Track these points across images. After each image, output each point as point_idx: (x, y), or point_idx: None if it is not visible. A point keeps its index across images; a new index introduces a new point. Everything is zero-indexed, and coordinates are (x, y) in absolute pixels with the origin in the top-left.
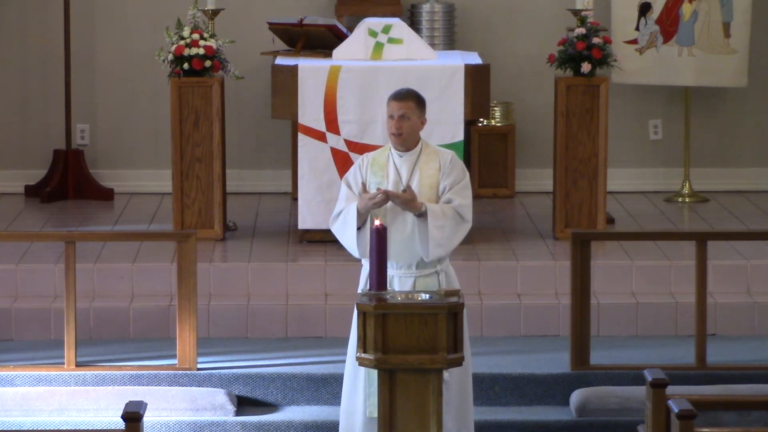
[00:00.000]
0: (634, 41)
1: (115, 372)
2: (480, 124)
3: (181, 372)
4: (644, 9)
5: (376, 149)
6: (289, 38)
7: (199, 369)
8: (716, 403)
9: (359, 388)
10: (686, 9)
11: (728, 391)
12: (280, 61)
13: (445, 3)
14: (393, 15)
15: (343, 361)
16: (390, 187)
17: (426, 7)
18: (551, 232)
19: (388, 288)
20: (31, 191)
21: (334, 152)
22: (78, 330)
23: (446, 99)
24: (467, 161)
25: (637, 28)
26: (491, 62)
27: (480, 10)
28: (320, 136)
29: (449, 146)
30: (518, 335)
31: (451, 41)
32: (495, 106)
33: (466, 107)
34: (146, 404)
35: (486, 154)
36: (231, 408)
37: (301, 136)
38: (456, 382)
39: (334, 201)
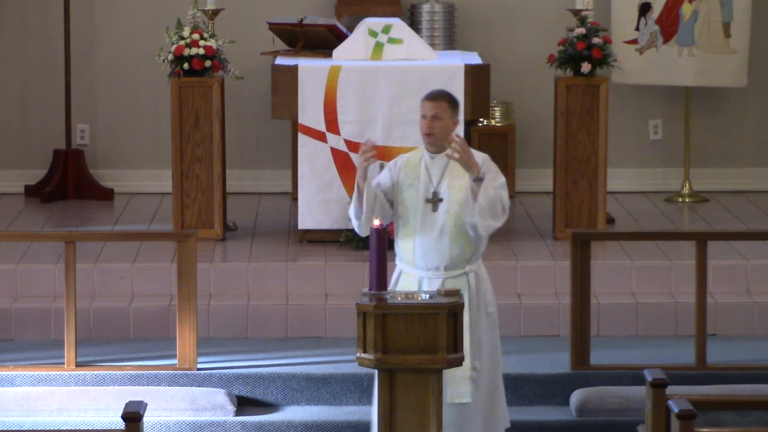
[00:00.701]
0: (634, 41)
1: (115, 372)
2: (480, 124)
3: (181, 372)
4: (644, 9)
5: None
6: (289, 38)
7: (199, 369)
8: (716, 403)
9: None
10: (686, 9)
11: (728, 391)
12: (280, 61)
13: (445, 3)
14: (393, 15)
15: (344, 361)
16: (421, 189)
17: (426, 7)
18: (551, 232)
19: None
20: (31, 191)
21: (334, 152)
22: (78, 330)
23: None
24: None
25: (637, 28)
26: (491, 62)
27: (480, 10)
28: (320, 136)
29: None
30: (518, 335)
31: (451, 41)
32: (495, 106)
33: (466, 107)
34: (146, 404)
35: (486, 154)
36: (231, 408)
37: (301, 136)
38: (486, 380)
39: (334, 201)
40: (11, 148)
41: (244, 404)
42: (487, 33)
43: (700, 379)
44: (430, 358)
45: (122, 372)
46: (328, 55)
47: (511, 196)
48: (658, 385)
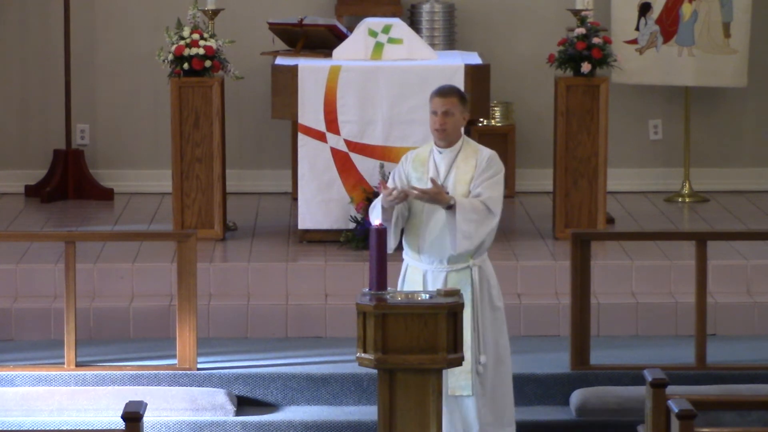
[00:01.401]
0: (634, 41)
1: (115, 372)
2: (480, 124)
3: (181, 372)
4: (644, 9)
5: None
6: (289, 38)
7: (199, 369)
8: (716, 403)
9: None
10: (686, 9)
11: (728, 391)
12: (280, 61)
13: (445, 3)
14: (393, 15)
15: (344, 361)
16: (429, 184)
17: (426, 7)
18: (551, 232)
19: (422, 284)
20: (31, 191)
21: (334, 152)
22: (78, 330)
23: None
24: None
25: (637, 28)
26: (491, 62)
27: (480, 10)
28: (320, 136)
29: None
30: (518, 335)
31: (451, 41)
32: (495, 106)
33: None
34: (146, 404)
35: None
36: (231, 408)
37: (301, 136)
38: (491, 375)
39: (334, 201)
40: (11, 148)
41: (244, 404)
42: (487, 33)
43: (700, 379)
44: (430, 358)
45: (122, 372)
46: (328, 55)
47: (511, 196)
48: (658, 385)
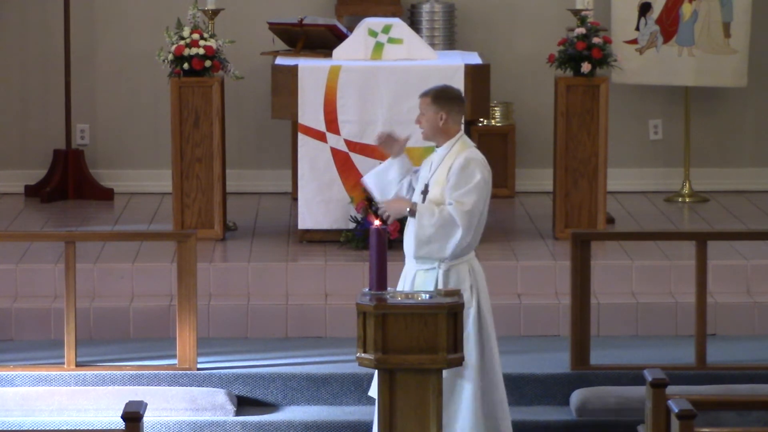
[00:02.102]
0: (634, 41)
1: (115, 372)
2: (480, 124)
3: (181, 372)
4: (644, 9)
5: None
6: (289, 38)
7: (199, 369)
8: (716, 403)
9: None
10: (686, 9)
11: (728, 391)
12: (280, 61)
13: (445, 3)
14: (393, 15)
15: (344, 361)
16: (421, 182)
17: (426, 7)
18: (551, 232)
19: (404, 280)
20: (31, 191)
21: (334, 152)
22: (78, 330)
23: None
24: None
25: (637, 28)
26: (491, 62)
27: (480, 10)
28: (320, 136)
29: None
30: (518, 335)
31: (451, 41)
32: (495, 106)
33: (466, 107)
34: (146, 404)
35: (486, 154)
36: (231, 408)
37: (301, 136)
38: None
39: (334, 201)
40: (11, 148)
41: (244, 404)
42: (487, 33)
43: (700, 379)
44: (430, 358)
45: (122, 372)
46: (328, 55)
47: (511, 196)
48: (658, 385)
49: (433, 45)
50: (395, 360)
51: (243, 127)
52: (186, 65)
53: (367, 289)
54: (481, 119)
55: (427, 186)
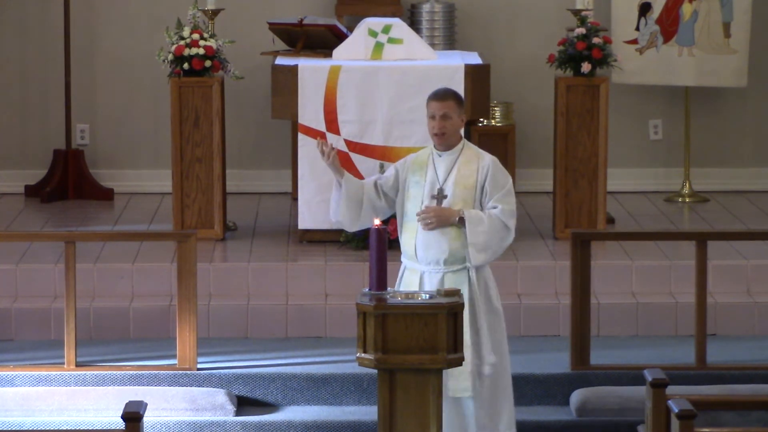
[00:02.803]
0: (634, 41)
1: (115, 372)
2: (480, 124)
3: (181, 372)
4: (644, 9)
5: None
6: (289, 38)
7: (199, 369)
8: (716, 403)
9: None
10: (686, 9)
11: (728, 391)
12: (280, 61)
13: (445, 3)
14: (393, 15)
15: (344, 361)
16: (427, 186)
17: (426, 7)
18: (551, 232)
19: (419, 285)
20: (31, 191)
21: None
22: (78, 330)
23: None
24: None
25: (637, 28)
26: (491, 62)
27: (480, 10)
28: (320, 136)
29: None
30: (518, 335)
31: (451, 41)
32: (495, 106)
33: (466, 107)
34: (146, 404)
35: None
36: (231, 408)
37: (301, 136)
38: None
39: None
40: (11, 148)
41: (244, 404)
42: (487, 33)
43: (700, 379)
44: (430, 358)
45: (122, 372)
46: (328, 55)
47: None
48: (658, 385)
49: (433, 45)
50: (395, 360)
51: (243, 127)
52: (186, 65)
53: (367, 289)
54: (481, 119)
55: (441, 190)
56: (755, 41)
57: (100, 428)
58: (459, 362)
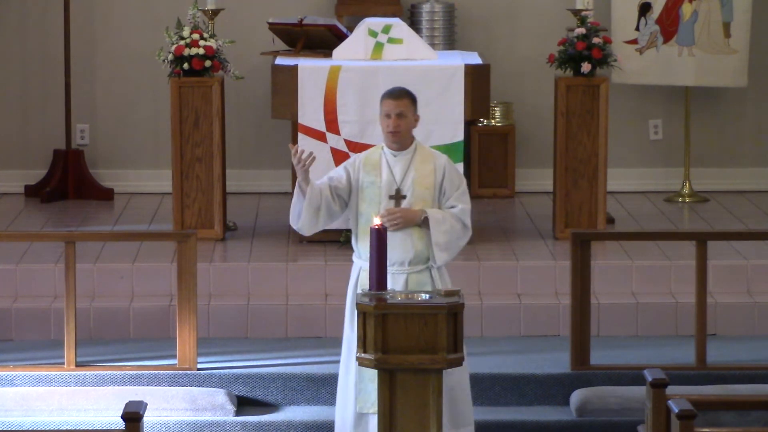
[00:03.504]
0: (634, 41)
1: (115, 372)
2: (480, 124)
3: (181, 372)
4: (644, 9)
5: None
6: (289, 38)
7: (199, 369)
8: (716, 403)
9: (350, 385)
10: (686, 9)
11: (728, 391)
12: (280, 61)
13: (445, 3)
14: (393, 15)
15: None
16: (383, 187)
17: (426, 7)
18: (551, 232)
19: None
20: (31, 191)
21: (334, 152)
22: (78, 330)
23: (446, 99)
24: (467, 161)
25: (637, 28)
26: (491, 62)
27: (480, 10)
28: (320, 136)
29: (449, 146)
30: (518, 335)
31: (451, 41)
32: (495, 106)
33: (466, 107)
34: (146, 404)
35: (486, 154)
36: (231, 408)
37: (301, 136)
38: (447, 379)
39: None
40: (11, 148)
41: (244, 404)
42: (487, 33)
43: (700, 379)
44: (430, 358)
45: (122, 372)
46: (328, 55)
47: (511, 196)
48: (658, 385)
49: (433, 45)
50: (395, 360)
51: (243, 127)
52: (186, 65)
53: (367, 289)
54: (481, 119)
55: (399, 191)
56: (755, 41)
57: (100, 428)
58: (459, 362)
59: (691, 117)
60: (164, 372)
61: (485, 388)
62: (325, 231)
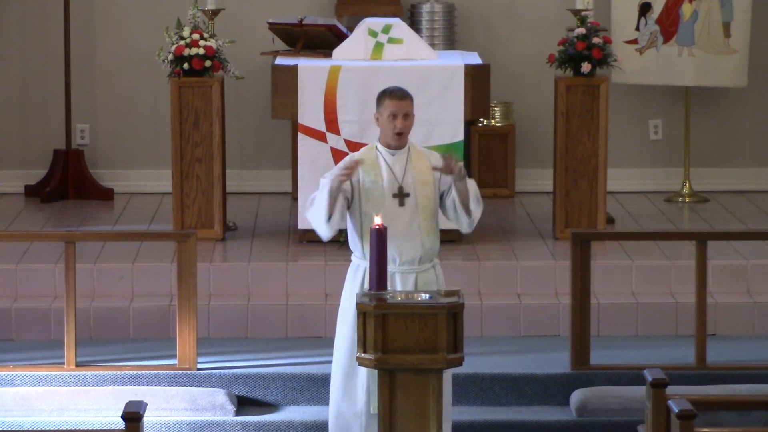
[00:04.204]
0: (634, 41)
1: (115, 372)
2: (480, 124)
3: (181, 372)
4: (644, 9)
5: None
6: (289, 38)
7: (199, 369)
8: (716, 403)
9: (358, 386)
10: (686, 9)
11: (728, 391)
12: (280, 61)
13: (445, 3)
14: (393, 15)
15: None
16: (385, 186)
17: (426, 7)
18: (551, 232)
19: (389, 285)
20: (31, 191)
21: (334, 152)
22: (78, 330)
23: (446, 99)
24: (467, 161)
25: (637, 28)
26: (491, 62)
27: (480, 10)
28: (320, 136)
29: (449, 146)
30: (518, 335)
31: (451, 41)
32: (495, 106)
33: (466, 107)
34: (146, 404)
35: (486, 154)
36: (231, 408)
37: (301, 136)
38: None
39: None
40: (11, 148)
41: (244, 404)
42: (487, 33)
43: (700, 379)
44: (430, 358)
45: (122, 372)
46: (328, 55)
47: (511, 196)
48: (658, 385)
49: (433, 45)
50: (395, 360)
51: (243, 127)
52: (186, 65)
53: (367, 289)
54: (481, 119)
55: (401, 189)
56: (755, 41)
57: (100, 428)
58: (459, 362)
59: (691, 117)
60: (164, 372)
61: (485, 388)
62: None
